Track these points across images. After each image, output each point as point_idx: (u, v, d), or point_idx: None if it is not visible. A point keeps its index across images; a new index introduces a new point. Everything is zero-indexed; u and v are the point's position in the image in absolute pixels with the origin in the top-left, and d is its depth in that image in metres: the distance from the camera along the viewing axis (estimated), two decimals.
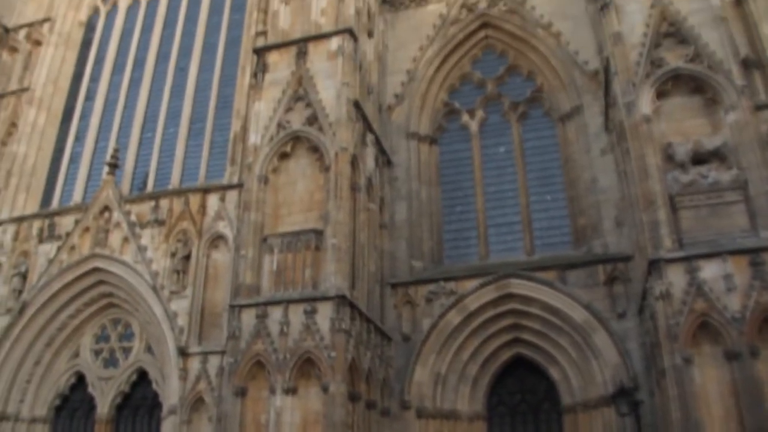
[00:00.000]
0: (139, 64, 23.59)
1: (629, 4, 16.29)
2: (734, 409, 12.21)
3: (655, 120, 14.90)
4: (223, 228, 18.31)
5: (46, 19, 25.39)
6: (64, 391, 19.35)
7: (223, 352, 16.33)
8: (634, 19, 16.04)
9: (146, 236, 19.11)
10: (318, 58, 17.63)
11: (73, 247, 19.52)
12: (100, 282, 19.36)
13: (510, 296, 17.03)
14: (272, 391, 14.58)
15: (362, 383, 15.51)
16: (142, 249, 18.82)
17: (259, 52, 18.63)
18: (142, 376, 18.73)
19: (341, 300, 14.86)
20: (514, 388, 17.47)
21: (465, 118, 20.26)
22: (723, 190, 13.86)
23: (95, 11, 25.89)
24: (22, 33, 25.50)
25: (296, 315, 14.95)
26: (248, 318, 15.35)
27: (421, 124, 20.23)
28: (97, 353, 19.37)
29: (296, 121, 17.07)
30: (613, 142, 17.36)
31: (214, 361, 16.81)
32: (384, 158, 19.25)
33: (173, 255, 18.61)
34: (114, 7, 25.60)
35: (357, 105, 17.43)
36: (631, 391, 14.33)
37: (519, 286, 16.97)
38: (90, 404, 18.93)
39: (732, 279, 12.97)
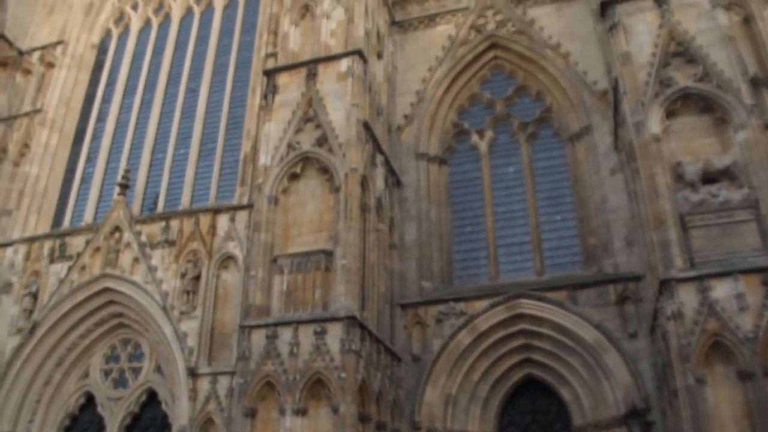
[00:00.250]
0: (150, 85, 23.82)
1: (637, 25, 16.37)
2: (748, 430, 12.09)
3: (664, 139, 14.92)
4: (233, 248, 18.35)
5: (59, 42, 25.73)
6: (73, 412, 19.31)
7: (232, 373, 16.30)
8: (643, 39, 16.11)
9: (156, 256, 19.17)
10: (328, 79, 17.74)
11: (83, 267, 19.60)
12: (111, 302, 19.41)
13: (520, 316, 16.95)
14: (282, 412, 14.49)
15: (372, 404, 15.42)
16: (152, 269, 18.88)
17: (269, 73, 18.77)
18: (152, 397, 18.68)
19: (351, 321, 14.83)
20: (525, 409, 17.33)
21: (474, 138, 20.29)
22: (734, 209, 13.82)
23: (108, 34, 26.22)
24: (36, 55, 25.84)
25: (306, 336, 14.92)
26: (258, 339, 15.32)
27: (430, 144, 20.28)
28: (106, 373, 19.37)
29: (306, 142, 17.15)
30: (623, 161, 17.35)
31: (223, 382, 16.79)
32: (393, 179, 19.29)
33: (183, 275, 18.65)
34: (126, 30, 25.91)
35: (366, 126, 17.50)
36: (643, 412, 14.24)
37: (529, 307, 16.89)
38: (99, 425, 18.86)
39: (744, 298, 12.89)
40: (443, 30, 21.51)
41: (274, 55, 20.20)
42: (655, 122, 15.02)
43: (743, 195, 13.89)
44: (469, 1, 21.59)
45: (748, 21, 16.71)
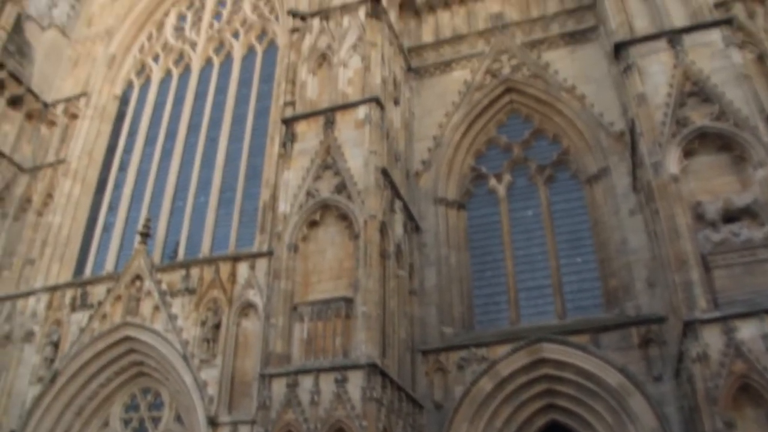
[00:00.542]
0: (170, 135, 24.24)
1: (652, 65, 16.48)
2: None
3: (683, 179, 14.87)
4: (253, 296, 18.41)
5: (82, 94, 26.41)
6: None
7: (253, 422, 16.19)
8: (658, 79, 16.19)
9: (177, 305, 19.25)
10: (345, 126, 17.94)
11: (104, 316, 19.70)
12: (131, 350, 19.44)
13: (543, 361, 16.70)
14: None
15: None
16: (172, 317, 18.94)
17: (288, 122, 19.00)
18: None
19: (372, 368, 14.71)
20: None
21: (492, 182, 20.27)
22: (756, 247, 13.66)
23: (129, 85, 26.84)
24: (60, 107, 26.50)
25: (327, 384, 14.80)
26: (279, 387, 15.22)
27: (448, 189, 20.29)
28: (126, 423, 19.32)
29: (325, 189, 17.26)
30: (642, 202, 17.27)
31: (244, 431, 16.67)
32: (412, 224, 19.29)
33: (203, 323, 18.70)
34: (147, 81, 26.49)
35: (385, 172, 17.60)
36: None
37: (552, 351, 16.65)
38: None
39: None
40: (459, 75, 21.71)
41: (292, 103, 20.51)
42: (673, 162, 15.00)
43: (765, 233, 13.74)
44: (483, 47, 21.81)
45: (762, 59, 16.84)
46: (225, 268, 19.19)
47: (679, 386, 15.09)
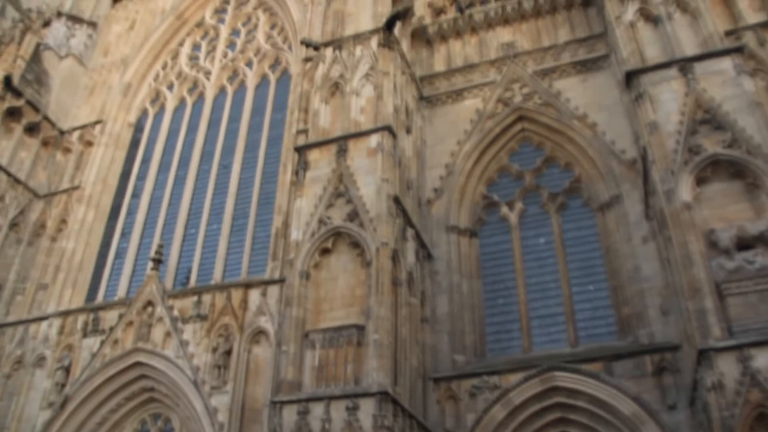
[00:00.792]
0: (184, 162, 24.48)
1: (663, 93, 16.55)
2: None
3: (696, 207, 14.85)
4: (265, 323, 18.43)
5: (98, 122, 26.81)
6: None
7: None
8: (669, 107, 16.24)
9: (188, 331, 19.26)
10: (358, 155, 18.03)
11: (116, 342, 19.70)
12: (142, 376, 19.40)
13: (555, 389, 16.55)
14: None
15: None
16: (184, 344, 18.92)
17: (301, 150, 19.13)
18: None
19: (383, 396, 14.61)
20: None
21: (504, 210, 20.26)
22: None
23: (144, 113, 27.21)
24: (76, 135, 26.90)
25: (338, 412, 14.70)
26: (289, 414, 15.11)
27: (460, 217, 20.29)
28: None
29: (337, 217, 17.30)
30: (655, 229, 17.21)
31: None
32: (424, 252, 19.24)
33: (215, 350, 18.68)
34: (161, 109, 26.84)
35: (397, 200, 17.65)
36: None
37: (564, 379, 16.49)
38: None
39: None
40: (471, 104, 21.83)
41: (305, 131, 20.69)
42: (685, 190, 14.98)
43: None
44: (495, 76, 21.96)
45: None
46: (237, 295, 19.24)
47: (694, 415, 14.89)
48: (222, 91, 25.91)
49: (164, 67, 28.21)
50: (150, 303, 19.95)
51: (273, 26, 26.80)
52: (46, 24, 30.51)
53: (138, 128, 26.92)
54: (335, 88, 19.94)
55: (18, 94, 26.02)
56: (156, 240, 22.58)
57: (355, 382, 15.10)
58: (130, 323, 19.81)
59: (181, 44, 28.59)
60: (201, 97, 26.22)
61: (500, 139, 21.13)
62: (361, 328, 15.59)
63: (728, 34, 18.45)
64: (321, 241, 17.14)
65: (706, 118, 15.72)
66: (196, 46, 28.22)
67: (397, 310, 16.55)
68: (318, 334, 15.96)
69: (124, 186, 25.33)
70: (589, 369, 16.47)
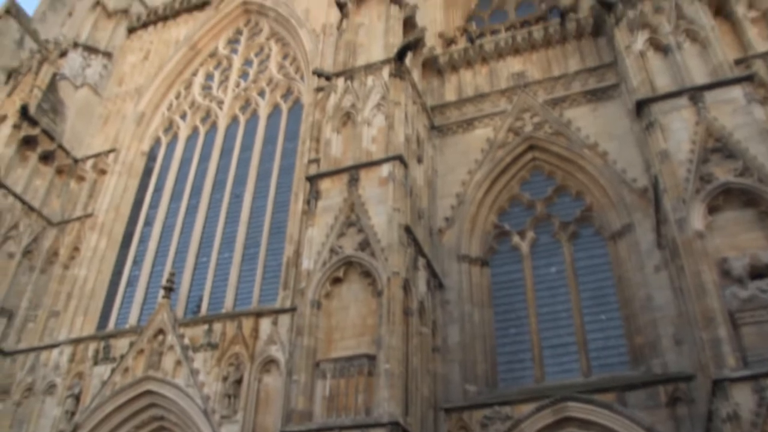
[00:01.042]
0: (196, 191, 24.66)
1: (674, 122, 16.58)
2: None
3: (708, 235, 14.78)
4: (275, 352, 18.39)
5: (111, 150, 27.11)
6: None
7: None
8: (680, 136, 16.26)
9: (199, 359, 19.23)
10: (369, 184, 18.06)
11: (126, 370, 19.67)
12: (152, 405, 19.32)
13: (568, 420, 16.32)
14: None
15: None
16: (194, 372, 18.88)
17: (312, 179, 19.18)
18: None
19: (394, 427, 14.47)
20: None
21: (515, 239, 20.18)
22: None
23: (157, 142, 27.50)
24: (90, 163, 27.20)
25: None
26: None
27: (471, 246, 20.23)
28: None
29: (348, 246, 17.28)
30: (667, 258, 17.12)
31: None
32: (435, 281, 19.17)
33: (225, 379, 18.64)
34: (174, 138, 27.13)
35: (408, 230, 17.63)
36: None
37: (577, 410, 16.29)
38: None
39: None
40: (482, 133, 21.87)
41: (316, 161, 20.81)
42: (697, 218, 14.93)
43: None
44: (506, 105, 22.05)
45: None
46: (248, 324, 19.23)
47: None
48: (234, 120, 26.18)
49: (177, 97, 28.57)
50: (161, 331, 19.95)
51: (285, 56, 27.14)
52: (63, 54, 31.02)
53: (151, 157, 27.19)
54: (347, 117, 20.06)
55: (34, 123, 26.40)
56: (168, 268, 22.65)
57: (366, 412, 14.97)
58: (141, 351, 19.80)
59: (194, 74, 28.98)
60: (214, 127, 26.49)
61: (511, 169, 21.14)
62: (372, 358, 15.50)
63: (738, 62, 18.52)
64: (332, 270, 17.12)
65: (717, 146, 15.71)
66: (209, 76, 28.59)
67: (409, 339, 16.46)
68: (329, 363, 15.89)
69: (137, 214, 25.52)
70: (602, 399, 16.28)
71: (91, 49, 30.82)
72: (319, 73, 22.48)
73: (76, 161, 27.32)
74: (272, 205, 22.57)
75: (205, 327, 19.83)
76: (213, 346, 19.33)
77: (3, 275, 23.76)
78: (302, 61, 25.94)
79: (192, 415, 18.34)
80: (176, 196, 25.15)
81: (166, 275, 21.60)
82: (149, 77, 29.20)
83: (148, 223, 25.04)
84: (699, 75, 17.38)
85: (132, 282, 23.73)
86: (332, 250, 17.35)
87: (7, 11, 33.35)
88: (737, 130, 15.75)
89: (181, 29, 30.67)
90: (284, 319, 18.77)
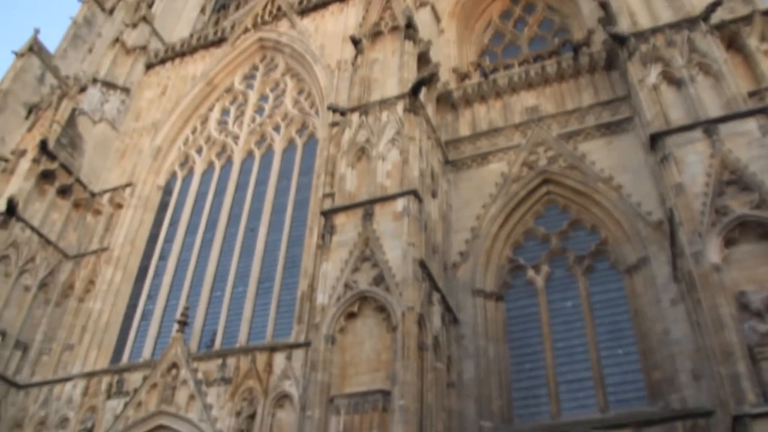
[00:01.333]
0: (211, 225, 24.83)
1: (688, 155, 16.51)
2: None
3: (725, 268, 14.64)
4: (289, 387, 18.28)
5: (128, 184, 27.42)
6: None
7: None
8: (695, 169, 16.19)
9: (212, 394, 19.16)
10: (384, 219, 18.08)
11: (139, 404, 19.63)
12: None
13: None
14: None
15: None
16: (207, 407, 18.80)
17: (327, 214, 19.23)
18: None
19: None
20: None
21: (530, 273, 20.02)
22: None
23: (173, 176, 27.77)
24: (106, 197, 27.52)
25: None
26: None
27: (486, 281, 20.12)
28: None
29: (363, 281, 17.24)
30: (683, 292, 16.94)
31: None
32: (450, 316, 19.04)
33: (238, 414, 18.53)
34: (190, 172, 27.39)
35: (423, 264, 17.55)
36: None
37: None
38: None
39: None
40: (496, 167, 21.86)
41: (331, 195, 20.89)
42: (714, 252, 14.80)
43: None
44: (520, 139, 22.06)
45: None
46: (261, 358, 19.17)
47: None
48: (250, 155, 26.44)
49: (194, 132, 28.93)
50: (174, 365, 19.93)
51: (300, 92, 27.47)
52: (82, 90, 31.66)
53: (167, 191, 27.44)
54: (361, 152, 20.16)
55: (53, 157, 26.84)
56: (182, 302, 22.72)
57: None
58: (154, 385, 19.77)
59: (210, 109, 29.38)
60: (229, 161, 26.75)
61: (526, 203, 21.07)
62: (386, 394, 15.36)
63: (752, 95, 18.52)
64: (347, 305, 17.06)
65: (732, 179, 15.64)
66: (225, 111, 28.96)
67: (423, 375, 16.30)
68: (343, 399, 15.76)
69: (152, 248, 25.68)
70: None
71: (109, 85, 31.39)
72: (334, 109, 22.69)
73: (93, 195, 27.66)
74: (287, 240, 22.65)
75: (219, 361, 19.79)
76: (226, 381, 19.28)
77: (18, 308, 23.94)
78: (317, 97, 26.23)
79: None
80: (191, 230, 25.32)
81: (180, 309, 21.62)
82: (166, 112, 29.63)
83: (163, 257, 25.18)
84: (713, 108, 17.37)
85: (146, 316, 23.81)
86: (347, 285, 17.32)
87: (30, 48, 34.19)
88: (752, 162, 15.68)
89: (198, 65, 31.20)
90: (298, 354, 18.70)
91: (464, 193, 21.96)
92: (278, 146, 25.87)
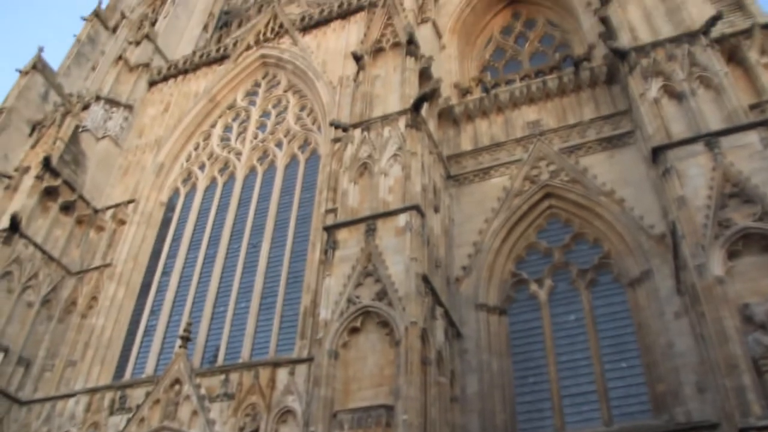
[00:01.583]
0: (213, 241, 24.87)
1: (690, 168, 16.57)
2: None
3: (728, 281, 14.65)
4: (292, 402, 18.27)
5: (131, 201, 27.49)
6: None
7: None
8: (697, 182, 16.25)
9: (215, 410, 19.13)
10: (386, 234, 18.09)
11: (142, 420, 19.54)
12: None
13: None
14: None
15: None
16: (210, 423, 18.73)
17: (329, 229, 19.26)
18: None
19: None
20: None
21: (533, 287, 20.01)
22: None
23: (176, 192, 27.85)
24: (109, 213, 27.62)
25: None
26: None
27: (489, 295, 20.09)
28: None
29: (366, 296, 17.23)
30: (687, 304, 16.89)
31: None
32: (453, 330, 18.99)
33: (241, 429, 18.54)
34: (193, 189, 27.48)
35: (425, 279, 17.56)
36: None
37: None
38: None
39: None
40: (498, 182, 21.91)
41: (333, 211, 20.94)
42: (717, 264, 14.82)
43: None
44: (522, 154, 22.13)
45: None
46: (264, 374, 19.17)
47: None
48: (252, 171, 26.52)
49: (196, 148, 29.05)
50: (177, 381, 19.87)
51: (302, 108, 27.60)
52: (86, 107, 31.86)
53: (169, 207, 27.51)
54: (364, 168, 20.22)
55: (56, 174, 26.96)
56: (185, 318, 22.72)
57: None
58: (157, 401, 19.70)
59: (213, 126, 29.53)
60: (231, 177, 26.83)
61: (528, 217, 21.09)
62: (389, 409, 15.31)
63: (753, 107, 18.62)
64: (350, 320, 17.03)
65: (734, 191, 15.69)
66: (227, 128, 29.10)
67: (427, 389, 16.25)
68: (346, 414, 15.71)
69: (155, 264, 25.71)
70: None
71: (112, 102, 31.56)
72: (336, 125, 22.80)
73: (95, 211, 27.74)
74: (289, 255, 22.67)
75: (222, 377, 19.79)
76: (229, 396, 19.26)
77: (21, 324, 23.96)
78: (319, 113, 26.36)
79: None
80: (194, 246, 25.35)
81: (183, 325, 21.64)
82: (169, 129, 29.77)
83: (166, 272, 25.20)
84: (714, 121, 17.44)
85: (149, 331, 23.78)
86: (349, 300, 17.31)
87: (34, 66, 34.46)
88: (754, 175, 15.73)
89: (201, 82, 31.39)
90: (301, 369, 18.69)
91: (466, 207, 22.00)
92: (281, 162, 25.96)
